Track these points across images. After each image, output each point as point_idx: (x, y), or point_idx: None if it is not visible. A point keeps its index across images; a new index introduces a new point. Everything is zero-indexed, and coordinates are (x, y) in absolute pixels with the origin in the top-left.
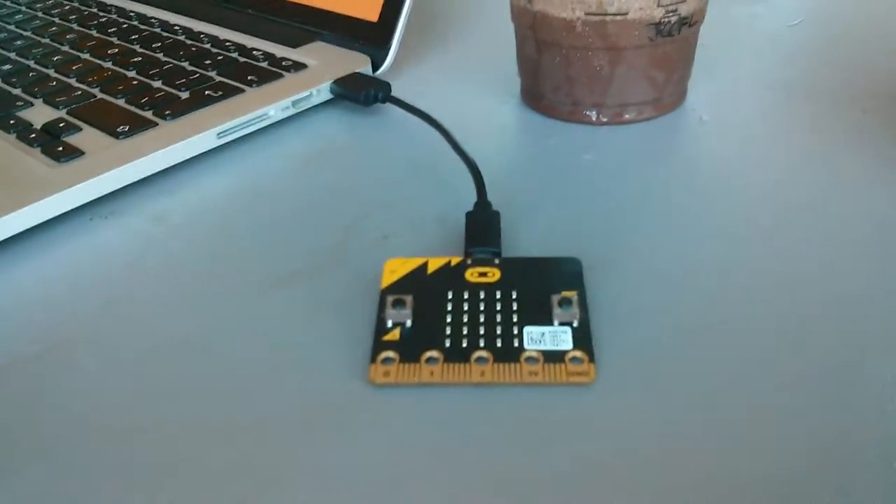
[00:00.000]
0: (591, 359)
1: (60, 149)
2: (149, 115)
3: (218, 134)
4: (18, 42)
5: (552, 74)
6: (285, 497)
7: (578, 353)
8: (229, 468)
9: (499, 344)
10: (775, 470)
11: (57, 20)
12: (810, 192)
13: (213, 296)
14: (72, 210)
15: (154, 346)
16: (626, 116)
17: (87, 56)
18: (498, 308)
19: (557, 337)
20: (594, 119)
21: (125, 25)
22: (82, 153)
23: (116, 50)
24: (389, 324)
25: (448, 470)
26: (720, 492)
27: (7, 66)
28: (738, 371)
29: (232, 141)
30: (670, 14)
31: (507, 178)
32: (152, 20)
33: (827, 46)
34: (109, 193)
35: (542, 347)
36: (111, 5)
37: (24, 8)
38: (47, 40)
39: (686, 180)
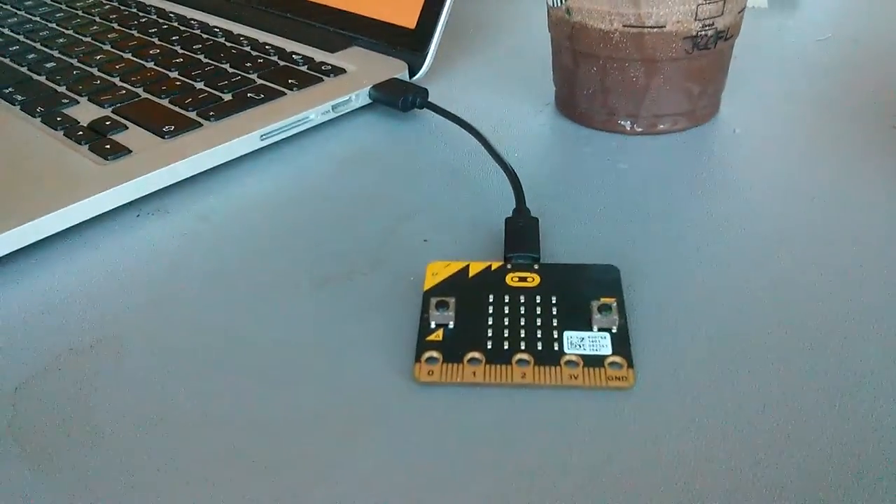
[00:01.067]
0: (630, 364)
1: (108, 146)
2: (193, 115)
3: (261, 136)
4: (60, 40)
5: (588, 84)
6: (332, 491)
7: (618, 359)
8: (275, 462)
9: (539, 347)
10: (810, 477)
11: (97, 19)
12: (841, 206)
13: (257, 294)
14: (119, 206)
15: (201, 342)
16: (661, 127)
17: (129, 56)
18: (538, 312)
19: (597, 342)
20: (629, 129)
21: (165, 26)
22: (129, 151)
23: (158, 50)
24: (433, 325)
25: (488, 468)
26: (755, 499)
27: (51, 64)
28: (774, 378)
29: (274, 143)
30: (707, 27)
31: (543, 184)
32: (192, 22)
33: (856, 62)
34: (156, 191)
35: (582, 352)
36: (150, 6)
37: (63, 6)
38: (89, 39)
39: (719, 191)
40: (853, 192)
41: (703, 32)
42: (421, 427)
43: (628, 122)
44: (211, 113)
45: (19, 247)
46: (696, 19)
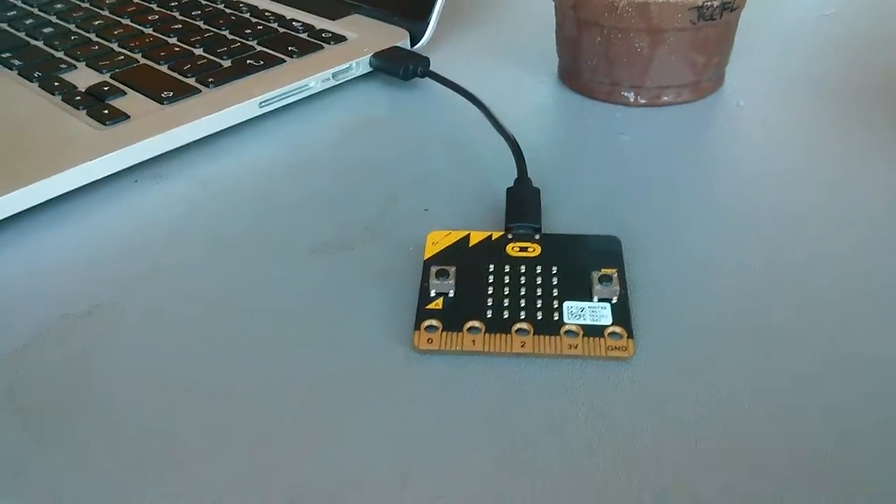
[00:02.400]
0: (630, 334)
1: (106, 112)
2: (192, 81)
3: (260, 103)
4: (59, 5)
5: (592, 54)
6: (331, 457)
7: (617, 329)
8: (275, 429)
9: (539, 317)
10: (805, 449)
11: None
12: (843, 181)
13: (256, 261)
14: (117, 172)
15: (198, 309)
16: (665, 99)
17: (127, 21)
18: (538, 282)
19: (597, 312)
20: (632, 100)
21: None
22: (128, 117)
23: (156, 16)
24: (433, 293)
25: (486, 436)
26: (754, 467)
27: (49, 29)
28: (772, 348)
29: (273, 110)
30: None
31: (545, 155)
32: None
33: (860, 37)
34: (154, 157)
35: (582, 322)
36: None
37: None
38: (87, 5)
39: (722, 164)
40: (855, 168)
41: (708, 3)
42: (420, 395)
43: (632, 94)
44: (210, 79)
45: (16, 211)
46: None
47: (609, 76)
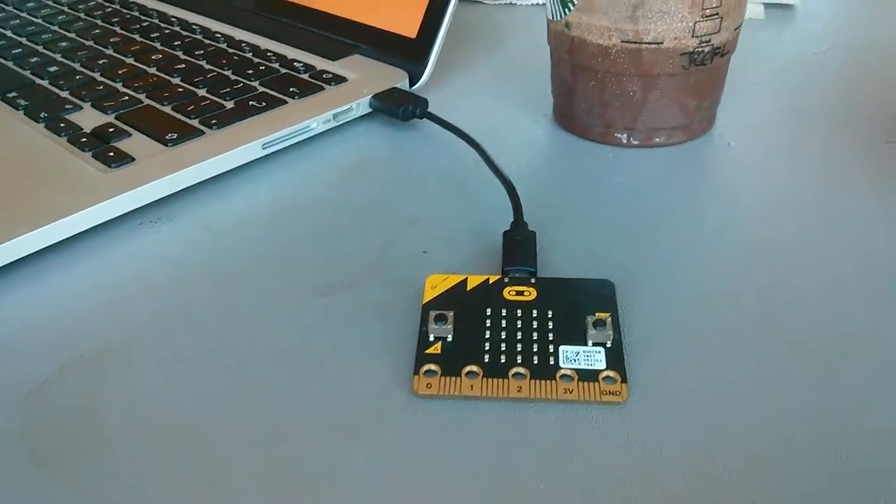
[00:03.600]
0: (624, 379)
1: (111, 154)
2: (195, 123)
3: (263, 145)
4: (63, 44)
5: (586, 97)
6: (330, 500)
7: (611, 373)
8: (276, 470)
9: (535, 361)
10: (802, 488)
11: (100, 22)
12: (835, 220)
13: (260, 302)
14: (122, 215)
15: (203, 349)
16: (657, 140)
17: (131, 61)
18: (535, 326)
19: (592, 357)
20: (625, 142)
21: (167, 31)
22: (133, 159)
23: (160, 55)
24: (432, 338)
25: (483, 480)
26: None
27: (54, 68)
28: (766, 390)
29: (275, 151)
30: (704, 44)
31: (540, 196)
32: (194, 27)
33: (851, 75)
34: (158, 199)
35: (577, 366)
36: (152, 10)
37: (66, 9)
38: (91, 43)
39: (714, 204)
40: (846, 207)
41: (699, 49)
42: (418, 439)
43: (625, 135)
44: (213, 121)
45: (25, 254)
46: (693, 36)
47: (603, 118)
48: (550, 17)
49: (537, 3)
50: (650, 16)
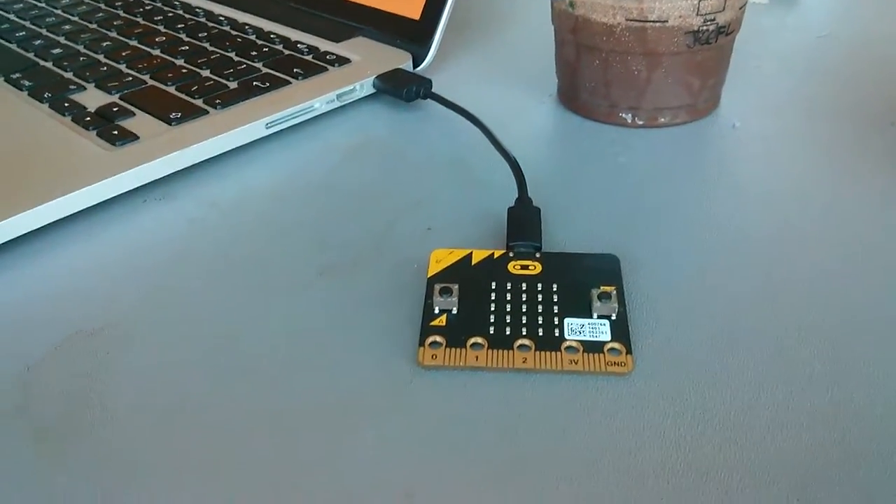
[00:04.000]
0: (629, 350)
1: (115, 132)
2: (199, 103)
3: (266, 124)
4: (67, 27)
5: (590, 77)
6: (338, 471)
7: (616, 345)
8: (284, 445)
9: (540, 333)
10: (802, 459)
11: (103, 6)
12: (837, 200)
13: (263, 280)
14: (126, 192)
15: (207, 327)
16: (661, 120)
17: (135, 43)
18: (539, 299)
19: (596, 329)
20: (630, 121)
21: (170, 14)
22: (137, 137)
23: (164, 38)
24: (437, 310)
25: (488, 450)
26: (749, 480)
27: (57, 51)
28: (767, 363)
29: (279, 131)
30: (708, 23)
31: (545, 175)
32: (197, 10)
33: (855, 58)
34: (162, 177)
35: (582, 338)
36: None
37: None
38: (95, 26)
39: (718, 184)
40: (849, 187)
41: (704, 27)
42: (425, 409)
43: (629, 115)
44: (217, 100)
45: (29, 230)
46: (697, 14)
47: (607, 98)
48: None
49: None
50: None
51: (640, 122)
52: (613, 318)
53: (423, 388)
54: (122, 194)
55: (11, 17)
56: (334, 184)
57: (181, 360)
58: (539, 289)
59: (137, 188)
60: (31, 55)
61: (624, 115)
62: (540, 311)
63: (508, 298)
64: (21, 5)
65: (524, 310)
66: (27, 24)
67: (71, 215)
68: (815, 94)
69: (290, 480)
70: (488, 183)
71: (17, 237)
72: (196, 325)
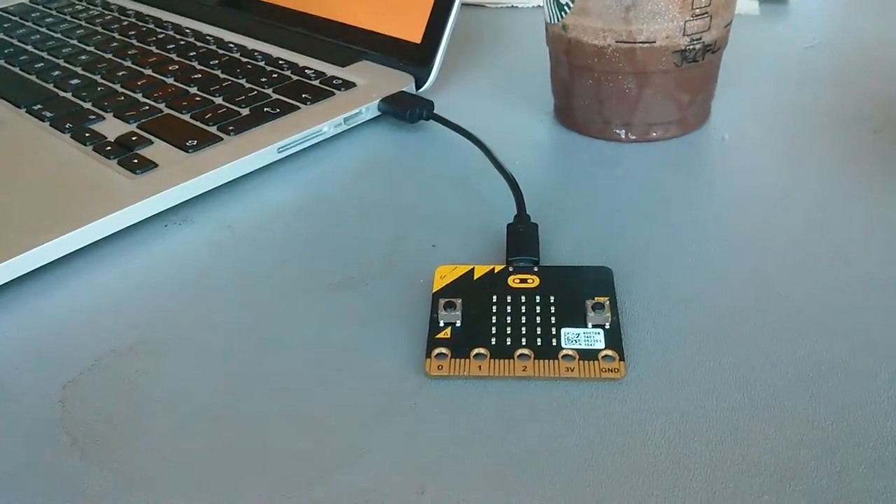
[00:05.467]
0: (622, 357)
1: (136, 161)
2: (213, 130)
3: (278, 149)
4: (83, 57)
5: (584, 95)
6: (353, 474)
7: (610, 352)
8: (301, 452)
9: (539, 343)
10: (787, 459)
11: (117, 35)
12: (825, 209)
13: (279, 296)
14: (148, 218)
15: (229, 341)
16: (653, 134)
17: (149, 72)
18: (538, 311)
19: (591, 337)
20: (623, 137)
21: (182, 42)
22: (156, 165)
23: (177, 66)
24: (442, 323)
25: (491, 452)
26: (735, 479)
27: (75, 81)
28: (755, 369)
29: (290, 154)
30: (695, 42)
31: (542, 191)
32: (208, 37)
33: (842, 68)
34: (181, 203)
35: (578, 346)
36: (167, 22)
37: (83, 23)
38: (110, 55)
39: (709, 195)
40: (837, 196)
41: (691, 46)
42: (433, 416)
43: (623, 131)
44: (230, 127)
45: (59, 256)
46: (684, 35)
47: (601, 115)
48: (548, 21)
49: (538, 6)
50: (642, 16)
51: (633, 137)
52: (607, 327)
53: (430, 396)
54: (144, 220)
55: (29, 48)
56: (343, 203)
57: (207, 373)
58: (537, 301)
59: (158, 213)
60: (50, 86)
61: (617, 130)
62: (538, 322)
63: (509, 311)
64: (38, 36)
65: (523, 321)
66: (45, 55)
67: (97, 241)
68: (802, 104)
69: (311, 479)
70: (489, 200)
71: (49, 262)
72: (221, 338)
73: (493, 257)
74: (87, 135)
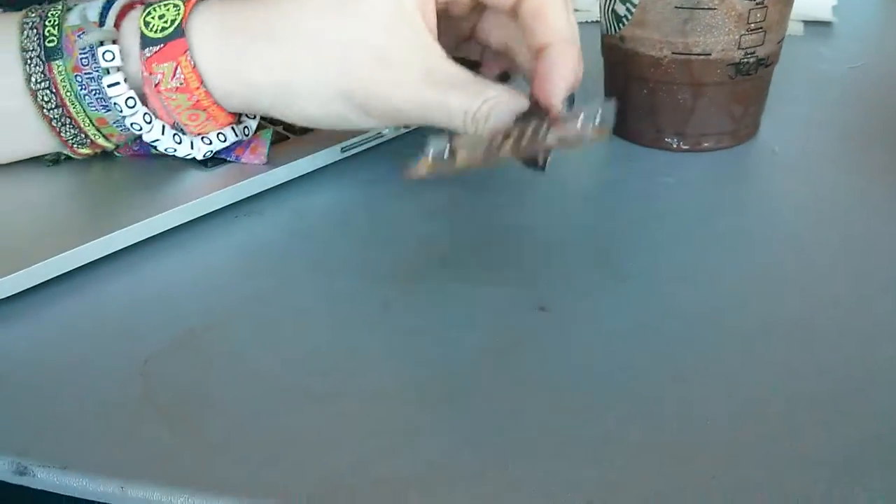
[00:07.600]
0: None
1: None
2: (280, 129)
3: (342, 148)
4: None
5: (638, 105)
6: (421, 444)
7: None
8: (369, 421)
9: None
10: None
11: None
12: (871, 221)
13: (342, 282)
14: (220, 209)
15: (299, 324)
16: (705, 145)
17: None
18: None
19: None
20: (675, 146)
21: None
22: (227, 161)
23: None
24: None
25: None
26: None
27: None
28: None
29: (353, 154)
30: (749, 55)
31: (596, 195)
32: None
33: (886, 88)
34: (251, 196)
35: None
36: None
37: None
38: None
39: (757, 205)
40: (883, 209)
41: (745, 60)
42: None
43: (675, 140)
44: (297, 127)
45: (141, 238)
46: (739, 48)
47: (654, 125)
48: (605, 32)
49: (588, 21)
50: (699, 29)
51: (685, 147)
52: None
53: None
54: (216, 211)
55: None
56: (402, 199)
57: (279, 349)
58: None
59: (230, 205)
60: None
61: (669, 140)
62: None
63: None
64: None
65: None
66: None
67: (173, 228)
68: (848, 121)
69: (385, 452)
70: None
71: (134, 244)
72: (290, 320)
73: None
74: None
